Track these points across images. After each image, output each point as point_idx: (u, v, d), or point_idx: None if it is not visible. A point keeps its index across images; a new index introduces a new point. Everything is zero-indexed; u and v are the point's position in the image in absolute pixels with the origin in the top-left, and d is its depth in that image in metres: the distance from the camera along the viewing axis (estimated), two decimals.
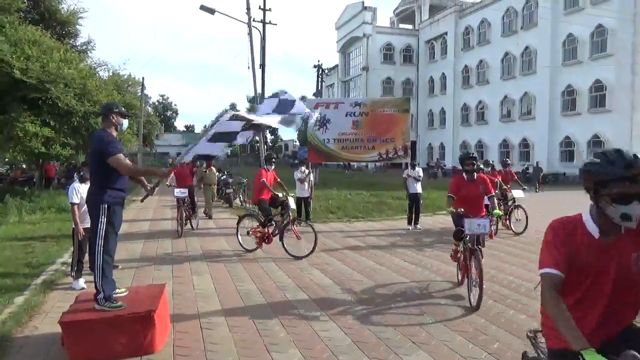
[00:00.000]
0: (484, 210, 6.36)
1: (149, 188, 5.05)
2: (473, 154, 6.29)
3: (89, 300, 4.37)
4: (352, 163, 37.21)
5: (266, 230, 8.45)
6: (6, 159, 25.88)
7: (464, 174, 6.28)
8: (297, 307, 5.41)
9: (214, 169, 14.39)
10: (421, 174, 11.92)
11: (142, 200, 5.90)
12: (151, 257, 8.23)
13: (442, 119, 46.72)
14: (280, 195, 8.80)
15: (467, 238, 5.62)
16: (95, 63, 20.18)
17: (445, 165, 41.82)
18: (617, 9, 27.78)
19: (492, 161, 11.13)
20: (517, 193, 11.31)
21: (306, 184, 11.94)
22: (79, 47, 20.04)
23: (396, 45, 50.74)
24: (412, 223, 11.62)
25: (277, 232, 8.52)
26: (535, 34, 34.52)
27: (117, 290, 4.59)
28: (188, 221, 10.97)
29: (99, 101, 15.85)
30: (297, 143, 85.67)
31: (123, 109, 4.79)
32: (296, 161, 61.81)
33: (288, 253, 8.17)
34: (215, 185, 14.67)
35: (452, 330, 4.70)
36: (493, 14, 38.93)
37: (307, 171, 12.11)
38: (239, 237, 8.74)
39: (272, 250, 8.79)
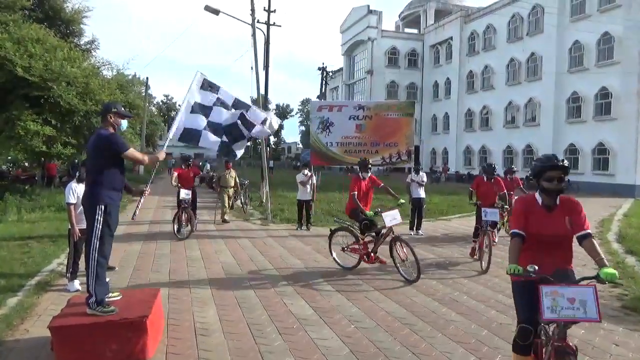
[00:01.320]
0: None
1: (138, 192, 5.08)
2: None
3: (81, 303, 4.26)
4: (355, 167, 37.12)
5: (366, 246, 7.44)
6: (8, 157, 25.89)
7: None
8: (295, 314, 5.29)
9: (233, 171, 13.26)
10: (425, 178, 11.79)
11: (132, 218, 5.89)
12: (149, 259, 8.12)
13: (446, 124, 46.55)
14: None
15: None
16: (99, 62, 20.17)
17: (449, 170, 41.66)
18: (624, 16, 27.60)
19: (495, 166, 9.66)
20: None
21: (308, 186, 11.82)
22: (83, 46, 20.03)
23: (401, 50, 50.65)
24: (415, 228, 11.48)
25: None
26: (541, 40, 34.36)
27: (110, 294, 4.48)
28: (188, 223, 10.65)
29: (101, 100, 15.79)
30: (300, 145, 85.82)
31: (122, 109, 4.66)
32: (298, 164, 61.83)
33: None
34: (232, 189, 13.27)
35: (453, 341, 4.57)
36: (499, 19, 38.80)
37: (309, 174, 11.99)
38: (334, 254, 7.74)
39: (271, 253, 8.67)
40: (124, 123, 4.64)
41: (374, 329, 4.86)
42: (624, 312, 5.59)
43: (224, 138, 8.00)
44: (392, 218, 7.15)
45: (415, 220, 11.50)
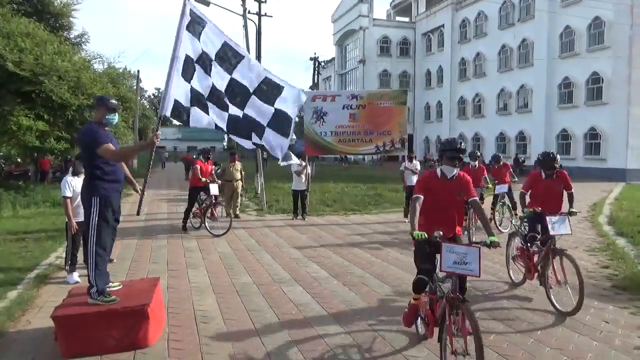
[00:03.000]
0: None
1: (139, 190, 5.05)
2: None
3: (82, 294, 4.32)
4: (348, 156, 37.20)
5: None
6: (1, 153, 25.70)
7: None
8: (293, 300, 5.38)
9: (239, 164, 12.36)
10: (418, 166, 11.89)
11: (138, 213, 5.21)
12: (146, 251, 8.17)
13: (439, 112, 46.65)
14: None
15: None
16: (90, 56, 20.02)
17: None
18: (614, 0, 27.68)
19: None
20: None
21: (303, 176, 11.88)
22: (73, 40, 19.85)
23: (393, 38, 50.53)
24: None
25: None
26: (532, 26, 34.40)
27: (110, 284, 4.54)
28: (205, 218, 10.02)
29: (93, 94, 15.69)
30: (294, 136, 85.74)
31: (113, 101, 4.58)
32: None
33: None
34: (239, 182, 12.19)
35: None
36: (490, 6, 38.76)
37: (304, 164, 12.05)
38: (510, 270, 6.29)
39: (267, 243, 8.76)
40: (115, 116, 4.54)
41: (374, 317, 4.96)
42: (614, 291, 5.73)
43: (233, 111, 5.72)
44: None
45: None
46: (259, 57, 20.76)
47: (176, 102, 4.91)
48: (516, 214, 10.34)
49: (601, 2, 28.31)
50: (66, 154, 18.26)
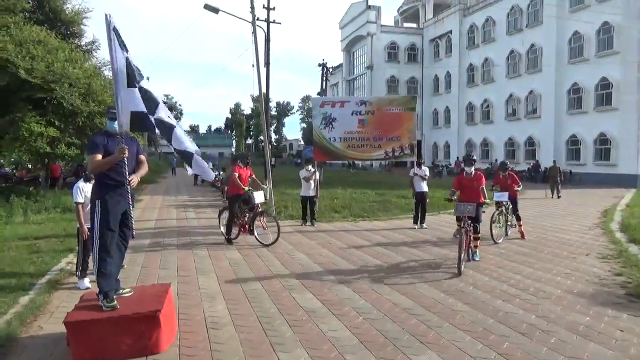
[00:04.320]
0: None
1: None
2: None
3: (94, 299, 4.34)
4: (356, 162, 37.18)
5: None
6: (12, 159, 25.97)
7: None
8: (304, 307, 5.36)
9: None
10: (427, 172, 11.85)
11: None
12: (156, 257, 8.20)
13: (447, 118, 46.52)
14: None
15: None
16: (100, 63, 20.19)
17: (450, 165, 41.66)
18: (623, 5, 27.50)
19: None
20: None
21: (312, 182, 11.87)
22: (83, 47, 20.05)
23: (400, 44, 50.57)
24: (418, 222, 11.55)
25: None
26: (540, 31, 34.28)
27: (121, 290, 4.56)
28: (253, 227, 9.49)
29: (103, 101, 15.84)
30: (302, 142, 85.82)
31: (112, 110, 4.64)
32: (298, 160, 61.75)
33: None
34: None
35: (460, 330, 4.64)
36: (498, 12, 38.71)
37: (312, 170, 12.05)
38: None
39: (276, 249, 8.75)
40: (114, 124, 4.57)
41: (382, 320, 4.93)
42: (628, 299, 5.65)
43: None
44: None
45: (419, 214, 11.56)
46: (267, 64, 20.87)
47: (133, 113, 4.55)
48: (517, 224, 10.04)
49: (610, 7, 28.19)
50: (76, 160, 18.42)
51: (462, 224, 7.34)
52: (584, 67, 30.51)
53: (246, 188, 9.56)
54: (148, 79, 4.90)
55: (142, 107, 4.66)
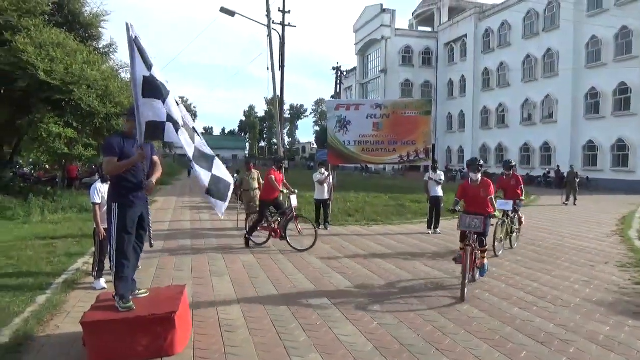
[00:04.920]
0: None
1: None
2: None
3: (110, 300, 4.36)
4: (369, 165, 37.12)
5: None
6: (30, 160, 26.36)
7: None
8: (318, 311, 5.33)
9: (255, 172, 11.79)
10: (442, 177, 11.75)
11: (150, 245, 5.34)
12: (171, 258, 8.24)
13: (462, 122, 46.25)
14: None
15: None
16: (118, 65, 20.43)
17: (464, 169, 41.33)
18: None
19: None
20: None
21: (325, 186, 11.85)
22: (101, 50, 20.26)
23: (415, 48, 50.47)
24: (432, 227, 11.46)
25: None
26: (557, 36, 33.95)
27: (137, 291, 4.58)
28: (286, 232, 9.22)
29: (120, 103, 16.01)
30: (315, 145, 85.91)
31: (125, 112, 4.86)
32: (311, 164, 61.73)
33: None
34: (257, 191, 11.21)
35: (477, 337, 4.57)
36: (514, 16, 38.42)
37: (326, 173, 12.02)
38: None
39: (290, 252, 8.74)
40: (126, 124, 4.66)
41: (397, 326, 4.88)
42: None
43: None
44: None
45: (433, 219, 11.47)
46: (282, 67, 20.94)
47: (147, 124, 4.41)
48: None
49: (629, 12, 27.81)
50: (93, 161, 18.63)
51: (466, 242, 6.31)
52: (602, 72, 30.12)
53: (285, 191, 9.50)
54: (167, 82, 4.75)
55: (156, 117, 4.46)
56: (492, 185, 6.81)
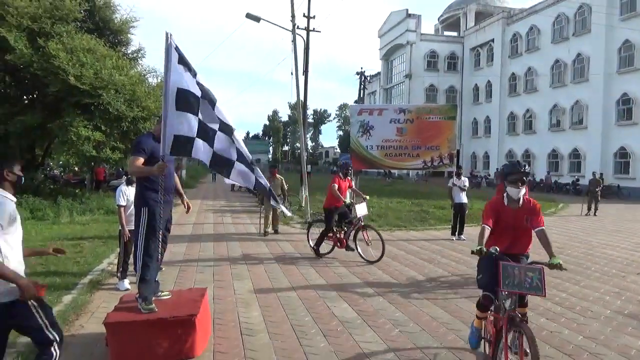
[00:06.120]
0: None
1: (186, 203, 5.13)
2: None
3: (132, 301, 4.40)
4: (392, 171, 36.84)
5: None
6: (60, 162, 27.08)
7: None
8: (339, 317, 5.28)
9: (279, 178, 11.86)
10: (467, 183, 11.57)
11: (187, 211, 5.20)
12: (193, 260, 8.31)
13: (487, 128, 45.56)
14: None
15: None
16: (145, 70, 20.80)
17: (489, 175, 40.68)
18: None
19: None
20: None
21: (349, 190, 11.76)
22: (130, 55, 20.68)
23: (440, 53, 50.04)
24: (457, 233, 11.28)
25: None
26: (588, 40, 33.18)
27: (160, 294, 4.62)
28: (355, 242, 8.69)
29: (147, 107, 16.31)
30: (338, 150, 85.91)
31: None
32: (335, 168, 61.70)
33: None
34: (280, 197, 11.11)
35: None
36: (543, 20, 37.73)
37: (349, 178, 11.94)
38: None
39: (312, 256, 8.71)
40: (157, 124, 4.76)
41: (419, 334, 4.80)
42: None
43: (219, 147, 4.70)
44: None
45: (458, 226, 11.29)
46: (306, 71, 21.00)
47: (176, 137, 4.30)
48: None
49: None
50: (120, 164, 19.00)
51: (492, 310, 3.94)
52: (635, 77, 29.30)
53: (347, 201, 9.00)
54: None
55: (189, 132, 4.38)
56: (539, 207, 3.97)
